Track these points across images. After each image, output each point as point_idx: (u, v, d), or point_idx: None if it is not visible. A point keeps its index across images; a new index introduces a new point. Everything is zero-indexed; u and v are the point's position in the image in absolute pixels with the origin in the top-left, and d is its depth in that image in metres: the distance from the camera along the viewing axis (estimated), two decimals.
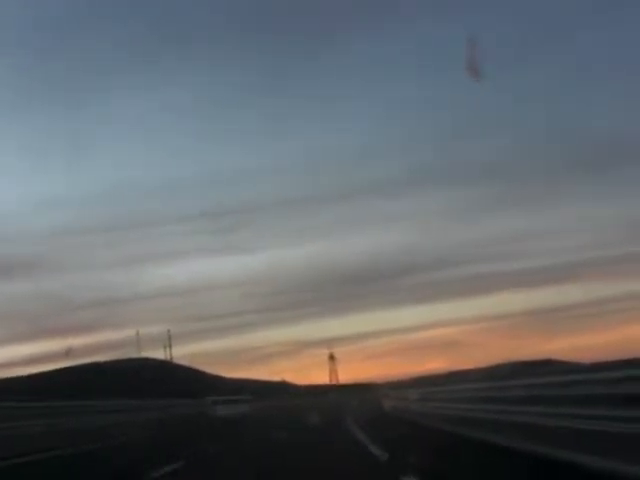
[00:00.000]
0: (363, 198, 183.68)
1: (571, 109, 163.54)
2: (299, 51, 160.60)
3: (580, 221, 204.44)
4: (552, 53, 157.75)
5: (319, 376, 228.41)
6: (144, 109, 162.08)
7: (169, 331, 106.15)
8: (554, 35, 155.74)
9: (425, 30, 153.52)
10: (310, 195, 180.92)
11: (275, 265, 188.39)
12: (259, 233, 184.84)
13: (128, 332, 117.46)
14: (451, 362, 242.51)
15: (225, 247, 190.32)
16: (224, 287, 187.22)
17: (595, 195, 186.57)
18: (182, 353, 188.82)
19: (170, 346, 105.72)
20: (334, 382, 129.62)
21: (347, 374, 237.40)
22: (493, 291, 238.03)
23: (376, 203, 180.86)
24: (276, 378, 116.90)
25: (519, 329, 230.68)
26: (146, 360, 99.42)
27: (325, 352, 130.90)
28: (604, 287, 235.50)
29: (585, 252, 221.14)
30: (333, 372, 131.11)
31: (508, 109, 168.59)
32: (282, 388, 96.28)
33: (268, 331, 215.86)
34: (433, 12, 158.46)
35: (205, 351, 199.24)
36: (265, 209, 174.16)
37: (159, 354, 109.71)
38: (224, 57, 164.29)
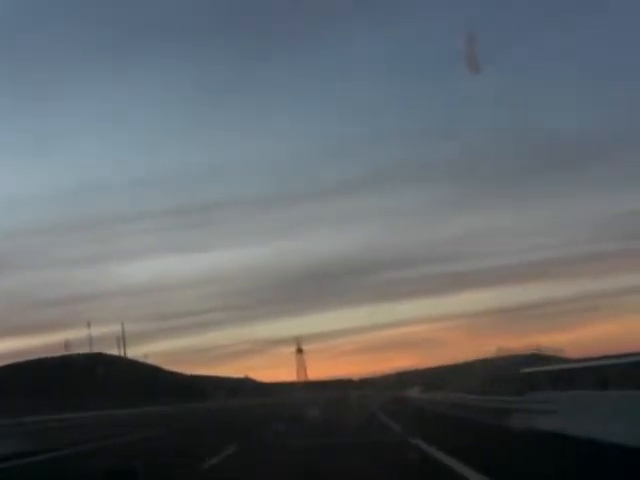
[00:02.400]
0: (328, 197, 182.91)
1: (536, 109, 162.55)
2: (266, 50, 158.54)
3: (545, 220, 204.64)
4: (518, 54, 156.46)
5: (286, 374, 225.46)
6: (108, 107, 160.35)
7: (122, 324, 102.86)
8: (520, 35, 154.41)
9: (392, 28, 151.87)
10: (276, 193, 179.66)
11: (240, 263, 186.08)
12: (224, 231, 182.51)
13: (90, 330, 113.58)
14: (420, 360, 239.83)
15: (189, 245, 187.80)
16: (189, 285, 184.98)
17: (560, 194, 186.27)
18: (145, 351, 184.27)
19: (124, 342, 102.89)
20: (302, 379, 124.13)
21: (316, 372, 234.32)
22: (461, 289, 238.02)
23: (342, 202, 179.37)
24: (239, 375, 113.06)
25: (487, 327, 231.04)
26: (99, 355, 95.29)
27: (293, 350, 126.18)
28: (569, 286, 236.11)
29: (550, 251, 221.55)
30: (301, 368, 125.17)
31: (473, 109, 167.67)
32: (244, 385, 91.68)
33: (234, 329, 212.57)
34: (399, 11, 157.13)
35: (168, 349, 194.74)
36: (230, 207, 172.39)
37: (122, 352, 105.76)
38: (191, 55, 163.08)
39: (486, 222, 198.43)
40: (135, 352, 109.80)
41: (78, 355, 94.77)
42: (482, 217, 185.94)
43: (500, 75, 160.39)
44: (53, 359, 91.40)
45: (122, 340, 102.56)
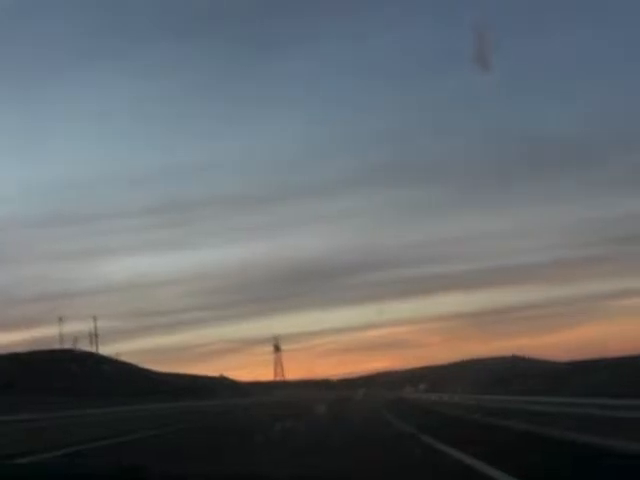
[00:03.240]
0: (310, 197, 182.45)
1: (523, 112, 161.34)
2: (241, 53, 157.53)
3: (529, 224, 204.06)
4: (502, 56, 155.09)
5: (263, 373, 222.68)
6: (89, 106, 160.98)
7: (95, 321, 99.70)
8: (511, 37, 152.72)
9: (380, 28, 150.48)
10: (256, 193, 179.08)
11: (220, 262, 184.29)
12: (204, 230, 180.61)
13: (66, 327, 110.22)
14: (398, 361, 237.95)
15: (169, 243, 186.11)
16: (167, 283, 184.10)
17: (544, 198, 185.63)
18: (123, 349, 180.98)
19: (96, 338, 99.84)
20: (280, 378, 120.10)
21: (293, 372, 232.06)
22: (440, 291, 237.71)
23: (323, 202, 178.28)
24: (214, 374, 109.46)
25: (465, 330, 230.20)
26: (71, 352, 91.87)
27: (270, 349, 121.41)
28: (548, 290, 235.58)
29: (533, 255, 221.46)
30: (279, 367, 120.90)
31: (459, 110, 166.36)
32: (220, 384, 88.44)
33: (212, 328, 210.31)
34: (371, 15, 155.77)
35: (145, 347, 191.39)
36: (210, 206, 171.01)
37: (104, 350, 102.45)
38: (169, 57, 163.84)
39: (468, 225, 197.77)
40: (112, 350, 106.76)
41: (48, 351, 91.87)
42: (464, 220, 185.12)
43: (488, 77, 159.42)
44: (20, 355, 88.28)
45: (94, 337, 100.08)
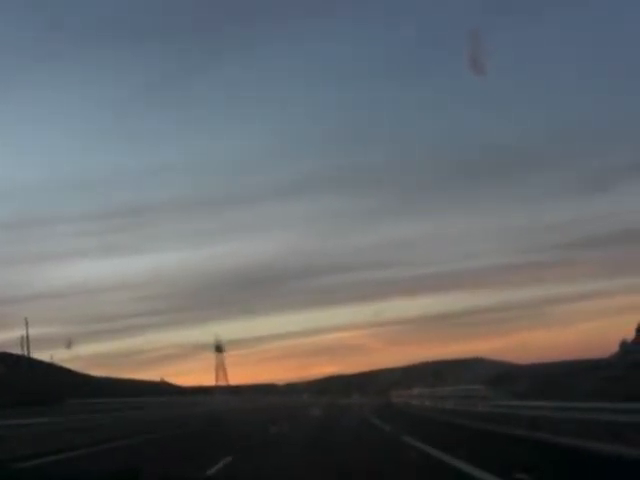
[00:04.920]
0: (258, 202, 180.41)
1: (469, 116, 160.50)
2: (203, 51, 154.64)
3: (476, 229, 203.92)
4: (449, 61, 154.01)
5: (207, 378, 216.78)
6: (38, 109, 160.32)
7: (26, 319, 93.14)
8: (457, 42, 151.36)
9: (327, 33, 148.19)
10: (204, 197, 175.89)
11: (166, 267, 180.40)
12: (151, 234, 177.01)
13: (8, 333, 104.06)
14: (345, 366, 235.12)
15: (115, 248, 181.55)
16: (114, 289, 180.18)
17: (491, 203, 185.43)
18: (67, 354, 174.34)
19: (28, 342, 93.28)
20: (222, 383, 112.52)
21: (239, 377, 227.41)
22: (386, 297, 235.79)
23: (271, 207, 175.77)
24: (154, 378, 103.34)
25: (411, 334, 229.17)
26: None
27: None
28: (496, 295, 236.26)
29: (479, 260, 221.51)
30: (221, 369, 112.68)
31: (405, 116, 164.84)
32: (159, 390, 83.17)
33: (158, 333, 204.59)
34: (337, 14, 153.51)
35: (89, 352, 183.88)
36: (159, 210, 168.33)
37: (45, 355, 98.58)
38: (127, 55, 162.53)
39: (415, 229, 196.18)
40: (57, 355, 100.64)
41: None
42: (412, 224, 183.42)
43: (430, 82, 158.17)
44: None
45: (26, 340, 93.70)
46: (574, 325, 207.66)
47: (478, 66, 13.88)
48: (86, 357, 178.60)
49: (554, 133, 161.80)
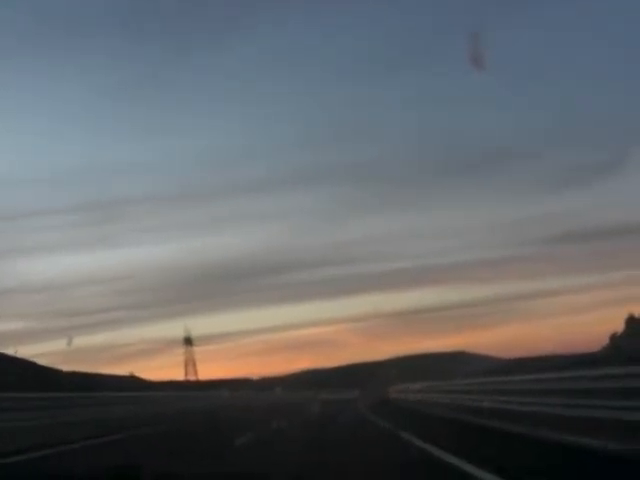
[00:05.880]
0: (233, 197, 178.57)
1: (450, 113, 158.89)
2: (174, 49, 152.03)
3: (449, 225, 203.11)
4: (432, 59, 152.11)
5: (177, 373, 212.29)
6: (10, 104, 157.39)
7: None
8: (436, 40, 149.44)
9: (298, 30, 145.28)
10: (180, 192, 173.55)
11: (137, 263, 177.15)
12: (122, 230, 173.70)
13: None
14: (317, 361, 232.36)
15: (85, 243, 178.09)
16: (86, 283, 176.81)
17: (469, 199, 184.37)
18: (38, 349, 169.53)
19: None
20: (191, 378, 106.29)
21: (213, 372, 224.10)
22: (360, 292, 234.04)
23: (245, 202, 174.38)
24: (124, 373, 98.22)
25: (384, 329, 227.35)
26: None
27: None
28: (470, 290, 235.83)
29: (457, 254, 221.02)
30: (190, 364, 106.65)
31: (384, 113, 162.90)
32: (128, 385, 78.98)
33: (132, 328, 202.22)
34: (304, 13, 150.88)
35: (61, 347, 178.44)
36: (134, 205, 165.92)
37: (10, 350, 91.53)
38: (100, 51, 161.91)
39: (390, 225, 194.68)
40: (33, 350, 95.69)
41: None
42: (386, 220, 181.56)
43: (410, 80, 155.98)
44: None
45: None
46: (555, 319, 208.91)
47: (479, 63, 14.45)
48: (55, 352, 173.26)
49: (537, 130, 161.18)
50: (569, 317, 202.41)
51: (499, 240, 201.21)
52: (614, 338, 70.93)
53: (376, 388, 71.28)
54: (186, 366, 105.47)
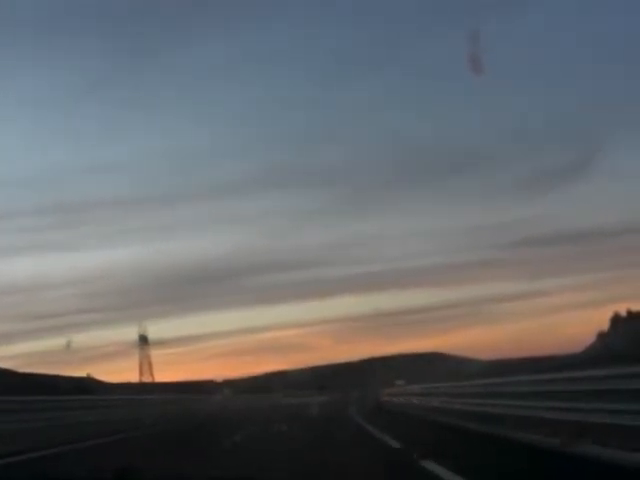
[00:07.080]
0: (204, 199, 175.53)
1: (415, 117, 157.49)
2: (141, 50, 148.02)
3: (420, 228, 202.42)
4: (398, 62, 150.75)
5: (134, 375, 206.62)
6: None
7: None
8: (406, 46, 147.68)
9: (276, 30, 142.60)
10: (149, 194, 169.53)
11: (108, 264, 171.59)
12: (96, 231, 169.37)
13: None
14: (288, 363, 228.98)
15: (50, 246, 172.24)
16: (47, 287, 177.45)
17: (437, 203, 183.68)
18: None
19: None
20: (146, 380, 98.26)
21: (178, 374, 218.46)
22: (332, 294, 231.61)
23: (217, 204, 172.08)
24: (80, 374, 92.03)
25: (356, 332, 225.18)
26: None
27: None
28: (439, 293, 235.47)
29: (424, 259, 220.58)
30: (145, 364, 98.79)
31: (354, 115, 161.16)
32: (83, 386, 73.55)
33: (97, 331, 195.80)
34: (284, 10, 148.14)
35: (26, 350, 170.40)
36: (103, 207, 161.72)
37: None
38: (67, 51, 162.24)
39: (363, 229, 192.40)
40: None
41: None
42: (358, 224, 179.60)
43: (379, 82, 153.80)
44: None
45: None
46: (527, 322, 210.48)
47: (477, 66, 14.59)
48: (18, 356, 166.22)
49: (497, 135, 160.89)
50: (540, 319, 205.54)
51: (468, 243, 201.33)
52: (601, 336, 68.86)
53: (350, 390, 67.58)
54: (141, 367, 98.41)
